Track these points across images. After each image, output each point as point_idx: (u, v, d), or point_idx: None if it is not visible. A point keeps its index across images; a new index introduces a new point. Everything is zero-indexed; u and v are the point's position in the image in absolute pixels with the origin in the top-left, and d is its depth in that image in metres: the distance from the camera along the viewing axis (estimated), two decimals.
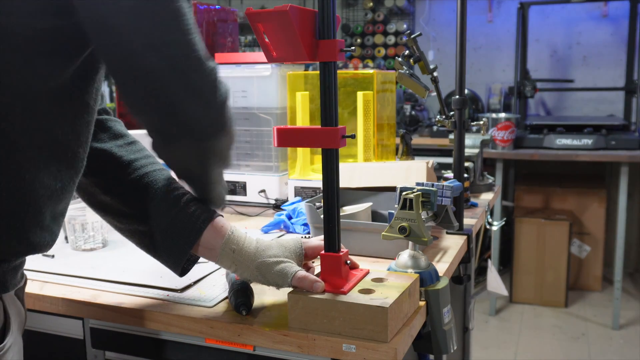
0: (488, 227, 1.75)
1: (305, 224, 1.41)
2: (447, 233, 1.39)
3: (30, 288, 1.07)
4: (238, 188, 1.76)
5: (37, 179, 0.81)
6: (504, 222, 2.55)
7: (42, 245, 0.85)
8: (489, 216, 1.77)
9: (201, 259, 1.21)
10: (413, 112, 3.96)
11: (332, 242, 0.92)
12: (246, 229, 1.42)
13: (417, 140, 3.57)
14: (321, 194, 1.07)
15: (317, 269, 0.96)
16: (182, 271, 0.98)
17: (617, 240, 3.29)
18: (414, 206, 1.00)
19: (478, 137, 1.95)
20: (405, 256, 1.02)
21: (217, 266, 1.16)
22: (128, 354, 1.08)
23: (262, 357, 0.97)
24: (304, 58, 0.90)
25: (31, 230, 0.82)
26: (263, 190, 1.73)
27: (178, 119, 0.85)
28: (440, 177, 1.62)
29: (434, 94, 1.52)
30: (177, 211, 0.95)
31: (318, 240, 0.99)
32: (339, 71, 1.05)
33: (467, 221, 1.49)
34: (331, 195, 0.94)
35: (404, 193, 1.02)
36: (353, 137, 0.98)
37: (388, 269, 1.03)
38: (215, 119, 0.89)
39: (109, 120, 1.05)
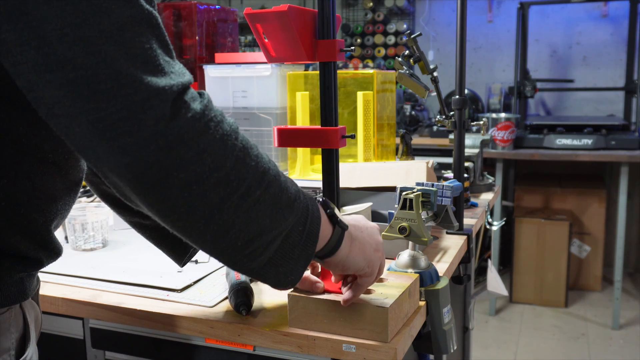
0: (488, 227, 1.75)
1: None
2: (447, 233, 1.39)
3: None
4: None
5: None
6: (504, 222, 2.55)
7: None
8: (489, 216, 1.77)
9: (202, 258, 1.21)
10: (413, 112, 3.95)
11: None
12: None
13: (417, 140, 3.57)
14: (321, 194, 1.07)
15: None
16: (183, 263, 0.99)
17: (617, 240, 3.29)
18: (414, 206, 1.00)
19: (478, 137, 1.95)
20: (405, 256, 1.02)
21: (217, 266, 1.16)
22: (128, 354, 1.08)
23: (262, 357, 0.97)
24: (303, 58, 0.90)
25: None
26: None
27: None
28: (440, 177, 1.62)
29: (434, 94, 1.52)
30: None
31: None
32: (339, 71, 1.05)
33: (467, 221, 1.49)
34: (331, 195, 0.95)
35: (404, 193, 1.02)
36: (353, 137, 0.98)
37: (388, 269, 1.03)
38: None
39: None
